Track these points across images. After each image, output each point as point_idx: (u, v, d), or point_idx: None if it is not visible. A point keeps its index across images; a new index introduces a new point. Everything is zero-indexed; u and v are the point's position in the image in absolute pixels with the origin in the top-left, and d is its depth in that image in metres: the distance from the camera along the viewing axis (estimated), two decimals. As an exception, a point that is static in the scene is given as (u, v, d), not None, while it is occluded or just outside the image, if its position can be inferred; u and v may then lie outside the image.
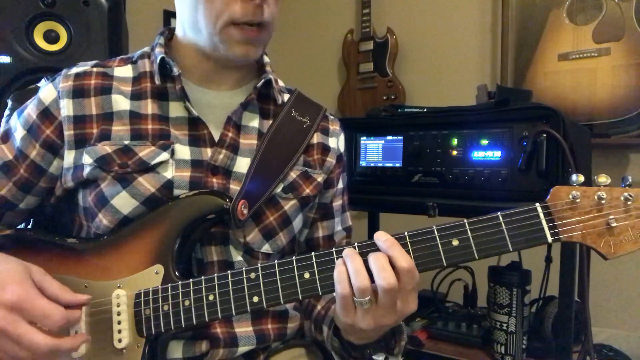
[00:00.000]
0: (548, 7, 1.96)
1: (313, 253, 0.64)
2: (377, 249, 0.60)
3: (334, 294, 0.61)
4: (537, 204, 0.59)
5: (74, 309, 0.64)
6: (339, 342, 0.72)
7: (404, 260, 0.58)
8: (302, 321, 0.85)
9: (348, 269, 0.59)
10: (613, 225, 0.57)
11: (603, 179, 0.58)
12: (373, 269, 0.58)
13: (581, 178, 0.59)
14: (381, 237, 0.60)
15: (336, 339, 0.73)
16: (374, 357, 1.30)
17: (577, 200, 0.58)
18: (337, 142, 0.89)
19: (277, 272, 0.64)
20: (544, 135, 1.01)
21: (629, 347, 1.79)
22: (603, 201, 0.57)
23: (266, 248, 0.78)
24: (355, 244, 0.62)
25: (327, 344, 0.76)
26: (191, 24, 0.76)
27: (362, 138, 1.30)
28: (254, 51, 0.76)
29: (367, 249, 0.61)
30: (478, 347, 1.26)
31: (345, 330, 0.66)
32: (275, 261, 0.64)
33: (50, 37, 1.48)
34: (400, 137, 1.23)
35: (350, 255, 0.60)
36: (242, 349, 0.75)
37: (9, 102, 0.91)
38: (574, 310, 1.07)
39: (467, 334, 1.29)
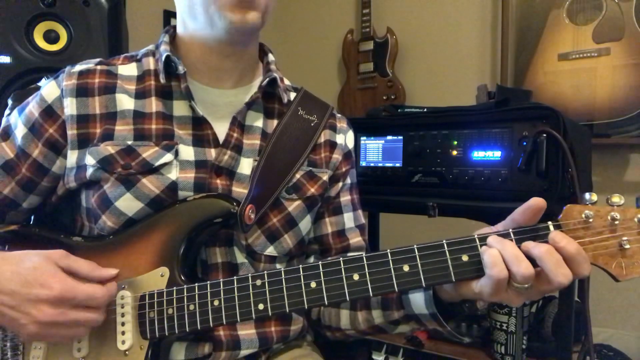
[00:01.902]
0: (548, 7, 1.96)
1: (320, 262, 0.63)
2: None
3: (485, 276, 0.58)
4: (550, 223, 0.59)
5: (108, 283, 0.66)
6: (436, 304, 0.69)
7: (573, 247, 0.56)
8: (304, 323, 0.84)
9: (503, 254, 0.57)
10: (626, 247, 0.56)
11: (617, 199, 0.57)
12: (547, 264, 0.55)
13: (594, 197, 0.58)
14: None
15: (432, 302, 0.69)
16: (373, 357, 1.30)
17: (590, 220, 0.57)
18: (344, 138, 0.88)
19: (283, 280, 0.63)
20: (544, 135, 1.01)
21: (629, 347, 1.79)
22: (616, 222, 0.56)
23: (270, 250, 0.77)
24: (415, 247, 0.61)
25: (422, 308, 0.70)
26: (188, 12, 0.75)
27: (362, 138, 1.30)
28: (251, 15, 0.71)
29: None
30: (478, 347, 1.26)
31: (459, 296, 0.64)
32: (282, 269, 0.64)
33: (50, 37, 1.48)
34: (400, 137, 1.23)
35: (502, 242, 0.58)
36: (244, 352, 0.75)
37: (9, 102, 0.90)
38: (574, 310, 1.08)
39: (467, 334, 1.29)
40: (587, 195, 0.59)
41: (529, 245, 0.57)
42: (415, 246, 0.61)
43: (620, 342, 1.79)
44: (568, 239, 0.56)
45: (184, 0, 0.75)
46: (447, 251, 0.60)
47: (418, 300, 0.70)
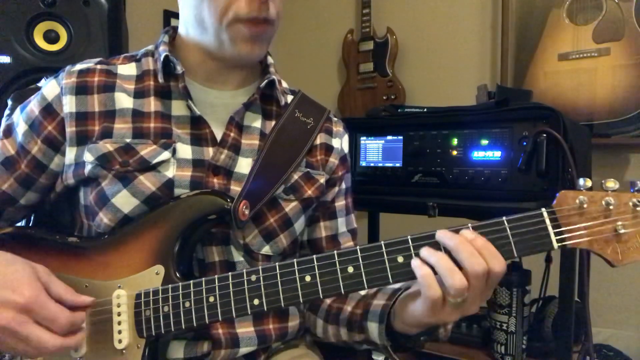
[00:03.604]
0: (548, 7, 1.96)
1: (314, 256, 0.63)
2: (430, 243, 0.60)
3: (421, 297, 0.60)
4: (543, 209, 0.58)
5: (78, 311, 0.65)
6: (391, 336, 0.72)
7: (481, 240, 0.58)
8: (302, 320, 0.85)
9: (437, 268, 0.57)
10: (621, 232, 0.55)
11: (611, 184, 0.56)
12: (464, 259, 0.56)
13: (588, 183, 0.57)
14: (446, 235, 0.60)
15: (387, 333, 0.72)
16: (373, 357, 1.30)
17: (584, 206, 0.56)
18: (340, 142, 0.88)
19: (278, 274, 0.63)
20: (544, 135, 1.01)
21: (629, 347, 1.78)
22: (611, 207, 0.55)
23: (266, 250, 0.78)
24: (409, 237, 0.61)
25: (376, 338, 0.73)
26: (195, 22, 0.75)
27: (362, 138, 1.30)
28: (259, 49, 0.76)
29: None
30: (478, 347, 1.26)
31: (409, 323, 0.67)
32: (277, 264, 0.64)
33: (50, 37, 1.48)
34: (400, 137, 1.23)
35: (435, 255, 0.58)
36: (243, 350, 0.75)
37: (9, 102, 0.91)
38: (574, 310, 1.08)
39: (467, 334, 1.29)
40: (581, 181, 0.57)
41: (444, 238, 0.59)
42: (409, 237, 0.61)
43: (620, 342, 1.78)
44: (477, 234, 0.58)
45: (191, 11, 0.75)
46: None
47: (374, 329, 0.73)
